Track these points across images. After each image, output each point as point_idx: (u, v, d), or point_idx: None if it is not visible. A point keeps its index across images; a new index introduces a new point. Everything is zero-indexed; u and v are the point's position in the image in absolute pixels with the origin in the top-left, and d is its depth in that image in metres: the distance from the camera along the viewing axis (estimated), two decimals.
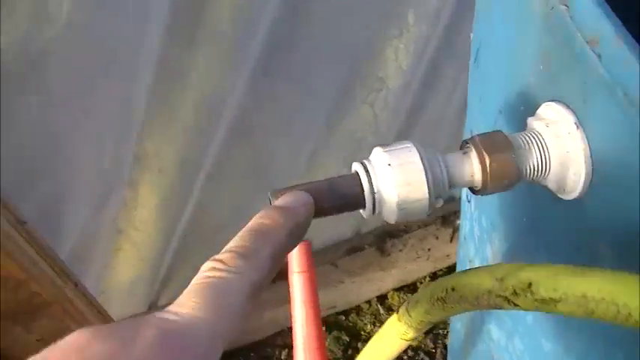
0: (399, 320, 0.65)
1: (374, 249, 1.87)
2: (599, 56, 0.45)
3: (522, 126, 0.59)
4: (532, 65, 0.58)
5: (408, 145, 0.53)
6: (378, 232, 1.90)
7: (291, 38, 1.32)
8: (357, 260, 1.86)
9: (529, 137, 0.55)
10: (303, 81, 1.40)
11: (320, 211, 0.52)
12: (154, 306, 1.74)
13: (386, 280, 1.86)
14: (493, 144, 0.54)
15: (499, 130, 0.55)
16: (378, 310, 1.87)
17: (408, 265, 1.86)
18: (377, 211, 0.53)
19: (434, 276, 1.89)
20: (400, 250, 1.87)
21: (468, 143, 0.55)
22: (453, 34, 1.47)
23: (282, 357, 1.80)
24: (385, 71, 1.49)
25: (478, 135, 0.55)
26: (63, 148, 1.19)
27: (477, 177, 0.54)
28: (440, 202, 0.54)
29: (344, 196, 0.53)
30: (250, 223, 0.46)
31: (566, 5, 0.49)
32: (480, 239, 0.82)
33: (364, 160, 0.54)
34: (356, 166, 0.54)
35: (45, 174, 1.19)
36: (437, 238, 1.87)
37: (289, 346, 1.71)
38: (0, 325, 1.12)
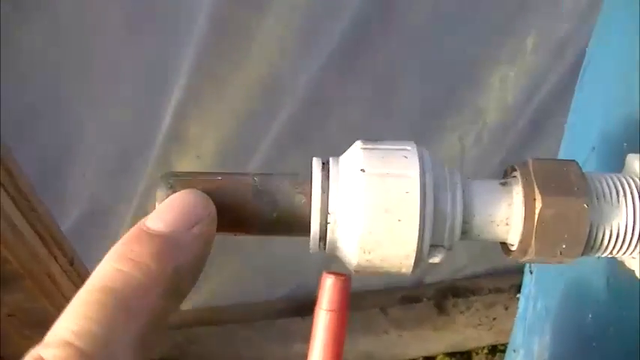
0: None
1: (432, 304, 1.63)
2: None
3: (620, 167, 0.35)
4: None
5: (408, 148, 0.31)
6: (441, 286, 1.66)
7: (377, 37, 1.10)
8: (411, 312, 1.63)
9: (622, 183, 0.32)
10: (381, 90, 1.17)
11: (232, 225, 0.31)
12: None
13: (437, 340, 1.63)
14: (555, 179, 0.31)
15: (572, 160, 0.32)
16: None
17: (466, 330, 1.62)
18: (329, 247, 0.31)
19: (493, 350, 1.64)
20: (461, 312, 1.63)
21: (515, 169, 0.32)
22: (576, 74, 1.21)
23: None
24: (486, 102, 1.25)
25: (535, 159, 0.32)
26: (74, 106, 1.01)
27: (515, 227, 0.31)
28: (438, 257, 0.31)
29: (276, 209, 0.31)
30: (100, 274, 0.28)
31: None
32: (530, 327, 0.58)
33: (332, 158, 0.32)
34: (314, 165, 0.32)
35: (47, 126, 1.02)
36: (506, 308, 1.61)
37: None
38: None
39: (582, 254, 0.32)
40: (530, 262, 0.32)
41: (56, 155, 1.09)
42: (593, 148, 0.43)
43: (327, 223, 0.30)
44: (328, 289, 1.15)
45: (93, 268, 0.93)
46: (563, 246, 0.31)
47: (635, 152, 0.34)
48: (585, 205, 0.30)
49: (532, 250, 0.31)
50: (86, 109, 1.03)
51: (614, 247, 0.32)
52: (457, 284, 1.66)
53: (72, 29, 0.93)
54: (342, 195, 0.30)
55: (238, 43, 1.03)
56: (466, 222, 0.31)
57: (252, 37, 1.03)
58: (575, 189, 0.31)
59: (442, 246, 0.31)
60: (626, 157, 0.34)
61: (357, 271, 0.31)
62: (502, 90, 1.24)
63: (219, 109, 1.13)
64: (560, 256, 0.31)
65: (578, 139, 0.49)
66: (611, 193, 0.31)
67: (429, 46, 1.14)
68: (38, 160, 1.05)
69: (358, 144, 0.32)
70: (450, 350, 1.65)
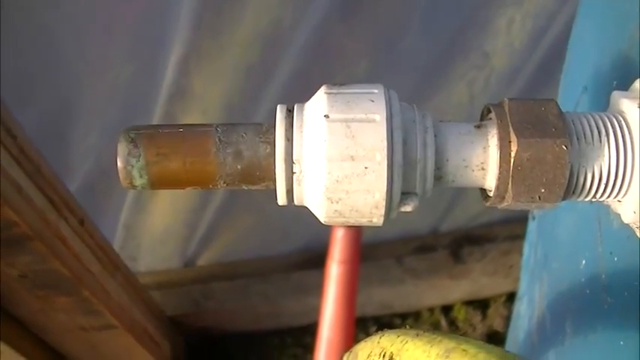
0: None
1: (447, 252, 1.61)
2: None
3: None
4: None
5: (375, 91, 0.29)
6: (457, 234, 1.64)
7: None
8: (426, 261, 1.61)
9: (604, 122, 0.30)
10: (385, 38, 1.15)
11: (196, 179, 0.29)
12: (191, 264, 1.56)
13: (454, 289, 1.61)
14: (531, 120, 0.29)
15: (551, 99, 0.30)
16: (440, 322, 1.64)
17: (482, 278, 1.60)
18: (297, 199, 0.30)
19: (510, 298, 1.62)
20: (477, 261, 1.61)
21: (490, 111, 0.31)
22: None
23: None
24: (492, 46, 1.22)
25: (512, 99, 0.30)
26: (74, 67, 1.00)
27: (491, 172, 0.29)
28: (411, 205, 0.29)
29: (240, 160, 0.29)
30: None
31: None
32: (532, 274, 0.57)
33: (297, 105, 0.31)
34: (278, 112, 0.30)
35: (48, 88, 1.01)
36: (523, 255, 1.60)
37: None
38: None
39: (563, 199, 0.30)
40: (509, 207, 0.30)
41: (59, 117, 1.08)
42: (585, 87, 0.41)
43: (292, 172, 0.29)
44: (339, 241, 1.13)
45: (103, 226, 0.92)
46: (542, 190, 0.29)
47: (621, 90, 0.32)
48: (564, 146, 0.29)
49: (509, 195, 0.29)
50: (87, 69, 1.02)
51: (596, 191, 0.30)
52: (473, 232, 1.64)
53: None
54: (306, 143, 0.29)
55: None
56: (438, 167, 0.30)
57: None
58: (553, 130, 0.29)
59: (414, 193, 0.29)
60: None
61: (326, 222, 0.30)
62: (509, 34, 1.21)
63: (222, 63, 1.11)
64: (539, 202, 0.29)
65: (572, 80, 0.47)
66: (592, 133, 0.30)
67: None
68: (41, 122, 1.04)
69: (323, 89, 0.30)
70: (466, 299, 1.64)
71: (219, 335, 1.58)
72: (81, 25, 0.97)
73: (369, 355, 0.32)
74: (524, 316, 0.62)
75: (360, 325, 1.36)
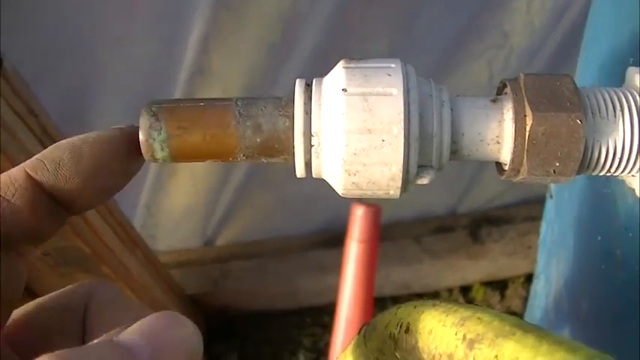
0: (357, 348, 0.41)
1: (466, 233, 1.62)
2: None
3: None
4: None
5: (392, 66, 0.29)
6: (475, 215, 1.64)
7: None
8: (444, 242, 1.61)
9: (619, 97, 0.30)
10: (405, 17, 1.15)
11: (217, 151, 0.30)
12: (210, 244, 1.57)
13: (472, 270, 1.61)
14: (546, 94, 0.29)
15: (566, 75, 0.30)
16: (458, 302, 1.63)
17: (501, 259, 1.60)
18: (315, 171, 0.31)
19: (529, 279, 1.62)
20: (496, 241, 1.61)
21: (506, 85, 0.31)
22: None
23: None
24: (511, 25, 1.22)
25: (527, 74, 0.30)
26: (94, 45, 1.01)
27: (506, 146, 0.30)
28: (427, 178, 0.30)
29: (259, 133, 0.30)
30: None
31: None
32: (549, 252, 0.57)
33: (316, 79, 0.31)
34: (297, 86, 0.31)
35: (68, 67, 1.02)
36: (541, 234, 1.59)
37: None
38: None
39: (578, 173, 0.30)
40: (525, 181, 0.31)
41: (79, 95, 1.09)
42: (602, 65, 0.42)
43: (311, 145, 0.30)
44: (359, 220, 1.13)
45: (123, 206, 0.93)
46: (557, 164, 0.29)
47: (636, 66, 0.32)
48: (579, 120, 0.29)
49: (524, 169, 0.30)
50: (107, 47, 1.03)
51: (611, 165, 0.31)
52: (491, 213, 1.64)
53: None
54: (324, 116, 0.29)
55: None
56: (454, 141, 0.30)
57: None
58: (568, 104, 0.29)
59: (430, 166, 0.30)
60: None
61: (344, 195, 0.31)
62: (528, 13, 1.21)
63: (242, 41, 1.11)
64: (554, 175, 0.30)
65: (589, 57, 0.47)
66: (607, 108, 0.30)
67: None
68: (61, 100, 1.05)
69: (341, 63, 0.31)
70: (485, 279, 1.64)
71: (237, 314, 1.59)
72: (101, 2, 0.98)
73: (386, 327, 0.32)
74: (541, 294, 0.63)
75: (379, 305, 1.37)
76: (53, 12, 0.97)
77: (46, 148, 0.30)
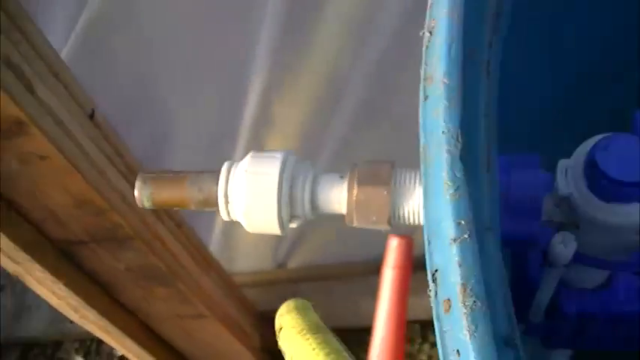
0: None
1: None
2: None
3: None
4: None
5: (277, 156, 0.50)
6: None
7: None
8: None
9: (416, 173, 0.49)
10: None
11: (176, 203, 0.51)
12: (283, 266, 1.76)
13: None
14: (371, 174, 0.49)
15: (392, 161, 0.50)
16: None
17: None
18: (230, 218, 0.51)
19: None
20: None
21: (352, 167, 0.51)
22: None
23: None
24: None
25: (367, 161, 0.50)
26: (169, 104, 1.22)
27: (344, 206, 0.50)
28: (296, 223, 0.50)
29: (202, 194, 0.51)
30: None
31: None
32: None
33: (235, 162, 0.52)
34: (224, 167, 0.52)
35: (147, 115, 1.24)
36: None
37: None
38: (88, 245, 1.15)
39: (392, 224, 0.50)
40: (358, 227, 0.50)
41: (157, 141, 1.31)
42: None
43: (227, 203, 0.50)
44: (393, 249, 1.31)
45: (201, 232, 1.14)
46: (374, 218, 0.49)
47: None
48: (385, 192, 0.48)
49: (355, 220, 0.49)
50: (179, 106, 1.24)
51: (413, 219, 0.50)
52: None
53: (156, 38, 1.13)
54: (234, 184, 0.50)
55: (302, 40, 1.21)
56: (313, 201, 0.50)
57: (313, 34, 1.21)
58: (381, 180, 0.49)
59: (298, 216, 0.50)
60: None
61: (250, 231, 0.51)
62: None
63: (297, 96, 1.32)
64: (375, 225, 0.49)
65: None
66: (407, 183, 0.49)
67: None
68: (143, 143, 1.27)
69: (251, 153, 0.51)
70: None
71: None
72: (172, 63, 1.20)
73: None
74: None
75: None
76: (134, 71, 1.19)
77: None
